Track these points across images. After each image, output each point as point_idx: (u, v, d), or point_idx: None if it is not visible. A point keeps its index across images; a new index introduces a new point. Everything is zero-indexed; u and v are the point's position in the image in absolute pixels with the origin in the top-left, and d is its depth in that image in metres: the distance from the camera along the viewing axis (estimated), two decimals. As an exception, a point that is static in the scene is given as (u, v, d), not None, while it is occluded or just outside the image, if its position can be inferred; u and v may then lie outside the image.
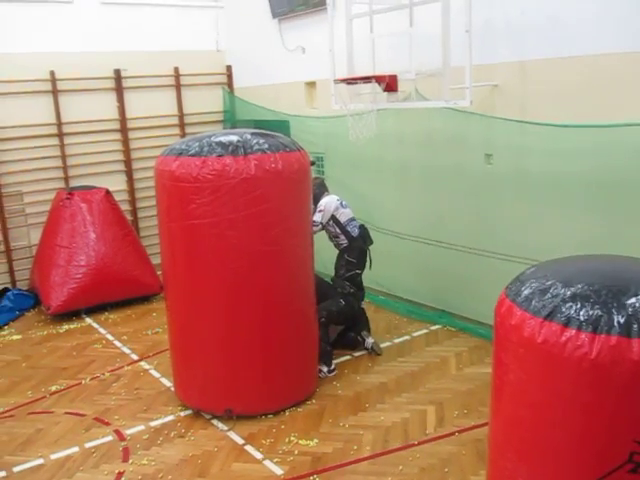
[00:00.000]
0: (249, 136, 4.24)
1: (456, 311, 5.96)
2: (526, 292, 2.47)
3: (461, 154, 5.55)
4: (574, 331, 2.23)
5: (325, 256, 5.46)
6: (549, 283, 2.44)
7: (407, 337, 5.82)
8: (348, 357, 5.45)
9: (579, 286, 2.36)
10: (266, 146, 4.19)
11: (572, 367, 2.24)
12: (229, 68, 8.66)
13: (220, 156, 4.09)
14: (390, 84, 5.24)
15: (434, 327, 5.98)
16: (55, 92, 7.47)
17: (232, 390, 4.47)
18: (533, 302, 2.40)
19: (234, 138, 4.20)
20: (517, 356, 2.45)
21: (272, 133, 4.48)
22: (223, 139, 4.20)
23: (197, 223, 4.18)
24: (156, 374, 5.32)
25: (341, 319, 5.40)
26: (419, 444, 4.08)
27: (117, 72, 7.84)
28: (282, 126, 7.19)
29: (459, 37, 4.55)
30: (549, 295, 2.38)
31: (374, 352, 5.45)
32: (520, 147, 4.97)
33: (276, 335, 4.45)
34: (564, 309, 2.30)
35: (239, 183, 4.09)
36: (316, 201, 5.26)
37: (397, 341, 5.73)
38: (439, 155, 5.76)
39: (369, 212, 6.58)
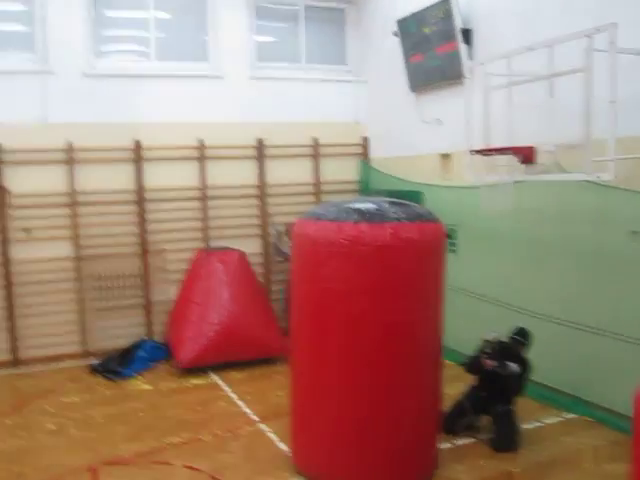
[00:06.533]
0: (386, 204, 4.26)
1: (596, 400, 5.47)
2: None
3: (603, 231, 5.23)
4: None
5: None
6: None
7: (538, 424, 5.43)
8: (472, 440, 5.15)
9: None
10: (403, 215, 4.18)
11: None
12: (366, 139, 8.87)
13: (356, 222, 4.12)
14: (528, 156, 5.10)
15: (569, 416, 5.53)
16: (202, 159, 8.00)
17: (348, 463, 4.34)
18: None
19: (371, 206, 4.24)
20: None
21: (409, 203, 4.46)
22: (360, 206, 4.25)
23: (329, 287, 4.20)
24: (274, 437, 5.30)
25: None
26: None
27: (259, 141, 8.27)
28: (415, 196, 7.18)
29: (603, 108, 4.35)
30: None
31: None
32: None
33: (400, 410, 4.29)
34: None
35: (374, 250, 4.09)
36: None
37: (527, 427, 5.31)
38: (579, 231, 5.46)
39: (501, 288, 6.34)
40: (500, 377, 5.00)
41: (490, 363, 5.02)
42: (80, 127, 7.40)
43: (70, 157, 7.39)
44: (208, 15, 8.12)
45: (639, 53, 4.68)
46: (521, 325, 5.31)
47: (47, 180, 7.33)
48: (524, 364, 5.07)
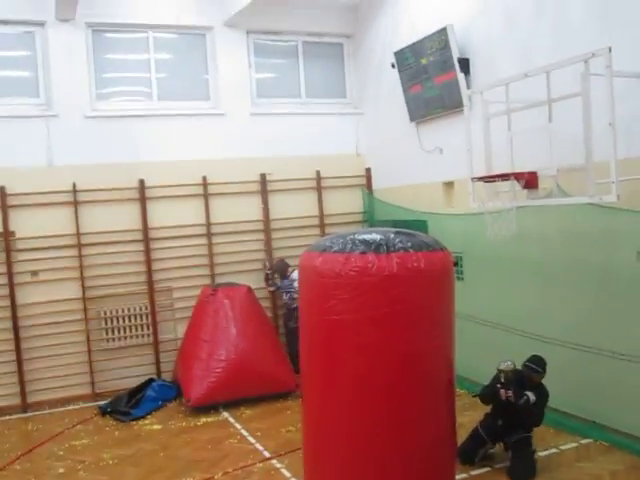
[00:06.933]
0: (392, 235, 4.26)
1: (610, 424, 5.40)
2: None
3: (611, 253, 5.21)
4: None
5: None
6: None
7: (554, 450, 5.34)
8: (488, 469, 5.07)
9: None
10: (409, 244, 4.18)
11: None
12: (368, 170, 8.92)
13: (363, 253, 4.12)
14: (530, 181, 5.12)
15: (585, 441, 5.45)
16: (206, 196, 8.05)
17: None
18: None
19: (377, 236, 4.23)
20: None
21: (415, 232, 4.47)
22: (366, 237, 4.25)
23: (337, 319, 4.17)
24: (287, 474, 5.23)
25: None
26: None
27: (262, 176, 8.33)
28: (420, 225, 7.19)
29: (602, 130, 4.38)
30: None
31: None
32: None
33: (413, 441, 4.21)
34: None
35: (381, 280, 4.07)
36: (281, 272, 7.98)
37: (543, 454, 5.23)
38: (584, 254, 5.45)
39: (510, 315, 6.30)
40: (516, 406, 4.94)
41: (505, 393, 4.96)
42: (84, 169, 7.48)
43: (75, 199, 7.45)
44: (207, 54, 8.27)
45: (635, 75, 4.73)
46: (534, 352, 5.24)
47: (53, 222, 7.38)
48: (540, 392, 5.00)
